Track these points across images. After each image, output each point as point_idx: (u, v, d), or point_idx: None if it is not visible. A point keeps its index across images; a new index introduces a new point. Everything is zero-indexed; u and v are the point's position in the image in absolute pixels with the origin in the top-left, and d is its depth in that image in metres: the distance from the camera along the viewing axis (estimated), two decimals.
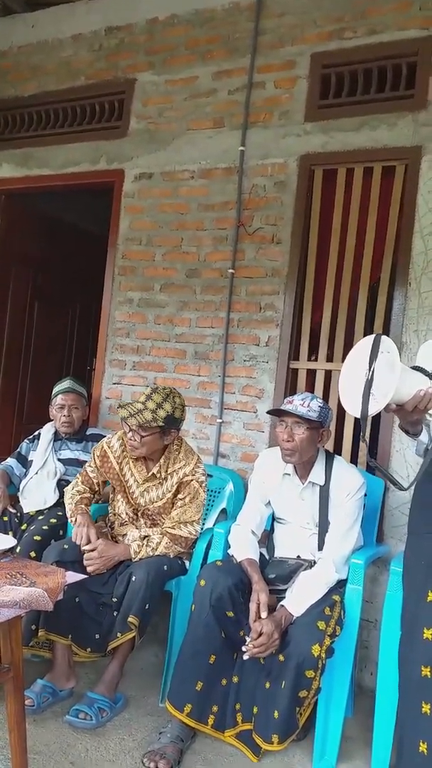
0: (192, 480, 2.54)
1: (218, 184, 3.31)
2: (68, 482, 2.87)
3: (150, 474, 2.58)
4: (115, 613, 2.35)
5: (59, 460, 3.08)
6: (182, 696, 2.11)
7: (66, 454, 3.11)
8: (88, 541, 2.44)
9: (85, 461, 2.85)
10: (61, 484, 2.97)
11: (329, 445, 2.69)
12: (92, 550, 2.41)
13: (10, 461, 3.17)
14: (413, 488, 1.96)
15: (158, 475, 2.57)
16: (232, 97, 3.29)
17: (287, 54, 3.17)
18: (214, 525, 2.78)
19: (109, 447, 2.67)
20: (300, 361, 3.11)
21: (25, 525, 2.86)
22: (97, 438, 3.05)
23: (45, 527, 2.74)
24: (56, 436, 3.15)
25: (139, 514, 2.62)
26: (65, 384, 3.17)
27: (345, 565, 2.28)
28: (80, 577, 1.97)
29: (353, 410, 1.76)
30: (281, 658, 2.06)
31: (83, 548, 2.43)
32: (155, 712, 2.36)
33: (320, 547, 2.33)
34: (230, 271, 3.22)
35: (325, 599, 2.15)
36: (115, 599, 2.36)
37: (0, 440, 4.15)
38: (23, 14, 3.98)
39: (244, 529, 2.41)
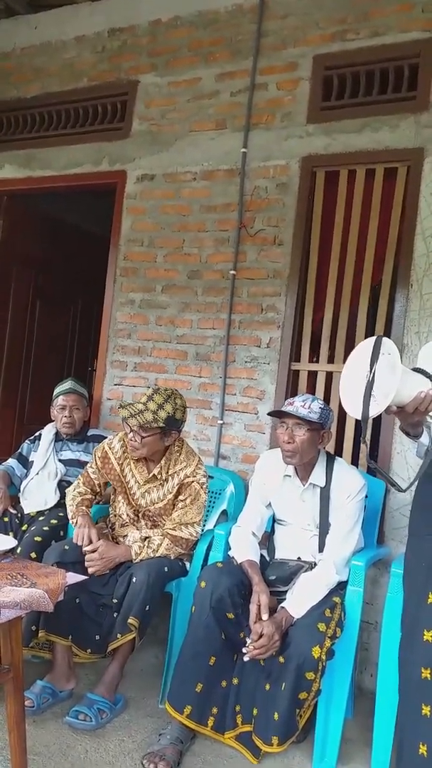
0: (193, 481, 2.54)
1: (220, 185, 3.31)
2: (69, 483, 2.87)
3: (151, 475, 2.58)
4: (115, 615, 2.35)
5: (60, 460, 3.08)
6: (182, 697, 2.11)
7: (67, 454, 3.11)
8: (90, 542, 2.44)
9: (86, 462, 2.85)
10: (62, 485, 2.97)
11: (330, 447, 2.69)
12: (93, 551, 2.41)
13: (11, 462, 3.17)
14: (414, 490, 1.96)
15: (159, 477, 2.57)
16: (235, 98, 3.30)
17: (290, 56, 3.18)
18: (214, 526, 2.78)
19: (110, 448, 2.67)
20: (301, 363, 3.11)
21: (26, 526, 2.86)
22: (98, 439, 3.05)
23: (46, 528, 2.74)
24: (57, 437, 3.15)
25: (140, 515, 2.62)
26: (66, 385, 3.17)
27: (345, 567, 2.28)
28: (81, 578, 1.97)
29: (354, 412, 1.76)
30: (281, 659, 2.06)
31: (84, 549, 2.43)
32: (155, 714, 2.36)
33: (321, 549, 2.33)
34: (232, 272, 3.23)
35: (325, 601, 2.15)
36: (115, 600, 2.36)
37: (1, 441, 4.15)
38: (26, 16, 3.99)
39: (245, 530, 2.41)
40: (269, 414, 2.53)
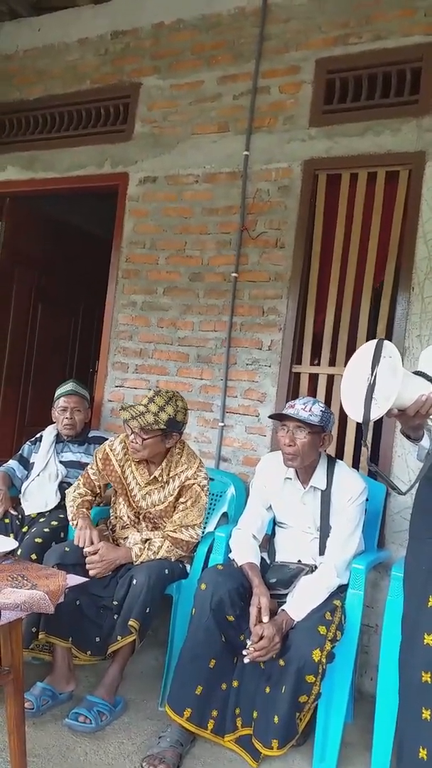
0: (194, 483, 2.54)
1: (222, 188, 3.31)
2: (70, 485, 2.87)
3: (152, 477, 2.58)
4: (115, 617, 2.35)
5: (61, 462, 3.08)
6: (182, 700, 2.11)
7: (68, 456, 3.11)
8: (91, 544, 2.44)
9: (87, 464, 2.85)
10: (63, 487, 2.97)
11: (331, 450, 2.69)
12: (94, 553, 2.41)
13: (12, 463, 3.17)
14: (414, 493, 1.96)
15: (160, 479, 2.57)
16: (237, 101, 3.31)
17: (292, 59, 3.18)
18: (215, 529, 2.78)
19: (111, 450, 2.68)
20: (302, 365, 3.11)
21: (27, 527, 2.86)
22: (99, 441, 3.06)
23: (46, 530, 2.74)
24: (58, 439, 3.16)
25: (141, 517, 2.62)
26: (68, 386, 3.17)
27: (346, 570, 2.28)
28: (81, 579, 1.97)
29: (355, 415, 1.76)
30: (281, 662, 2.05)
31: (85, 550, 2.43)
32: (155, 716, 2.36)
33: (321, 552, 2.33)
34: (233, 275, 3.23)
35: (325, 604, 2.15)
36: (115, 602, 2.36)
37: (2, 442, 4.16)
38: (29, 18, 4.00)
39: (245, 533, 2.41)
40: (270, 417, 2.53)
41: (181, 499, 2.55)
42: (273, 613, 2.15)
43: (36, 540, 2.66)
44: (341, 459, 2.74)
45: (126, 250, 3.58)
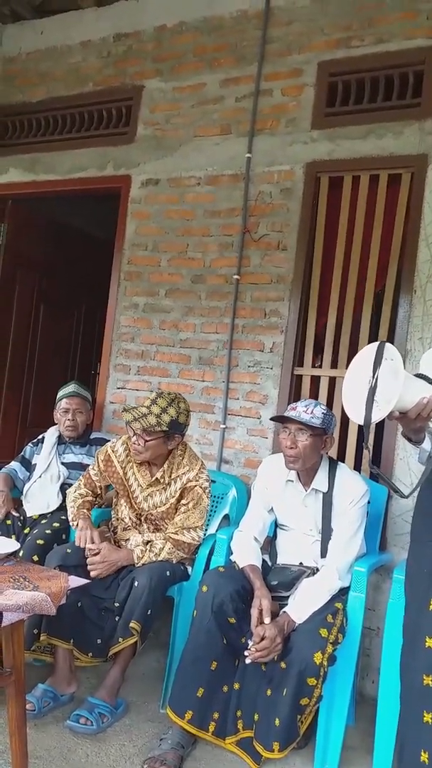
0: (195, 485, 2.54)
1: (224, 190, 3.32)
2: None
3: (154, 479, 2.58)
4: (117, 618, 2.35)
5: (63, 464, 3.09)
6: (183, 702, 2.11)
7: (70, 458, 3.11)
8: (92, 542, 2.45)
9: (89, 465, 2.85)
10: (65, 488, 2.96)
11: (333, 452, 2.69)
12: (97, 552, 2.42)
13: (14, 465, 3.18)
14: (416, 496, 1.96)
15: (162, 480, 2.57)
16: (239, 104, 3.31)
17: (294, 62, 3.19)
18: (216, 531, 2.77)
19: (113, 451, 2.68)
20: (304, 368, 3.11)
21: (29, 529, 2.86)
22: (101, 442, 3.06)
23: (48, 531, 2.74)
24: (60, 440, 3.16)
25: (143, 518, 2.62)
26: (70, 388, 3.18)
27: (348, 573, 2.28)
28: (83, 581, 1.97)
29: (356, 417, 1.76)
30: (283, 665, 2.05)
31: (88, 547, 2.43)
32: (156, 718, 2.36)
33: (323, 554, 2.33)
34: (235, 277, 3.23)
35: (327, 607, 2.15)
36: (117, 604, 2.36)
37: (4, 444, 4.16)
38: (32, 21, 4.01)
39: (247, 535, 2.41)
40: (272, 419, 2.54)
41: (183, 501, 2.55)
42: (274, 615, 2.15)
43: (38, 541, 2.67)
44: (343, 461, 2.75)
45: (128, 252, 3.59)
